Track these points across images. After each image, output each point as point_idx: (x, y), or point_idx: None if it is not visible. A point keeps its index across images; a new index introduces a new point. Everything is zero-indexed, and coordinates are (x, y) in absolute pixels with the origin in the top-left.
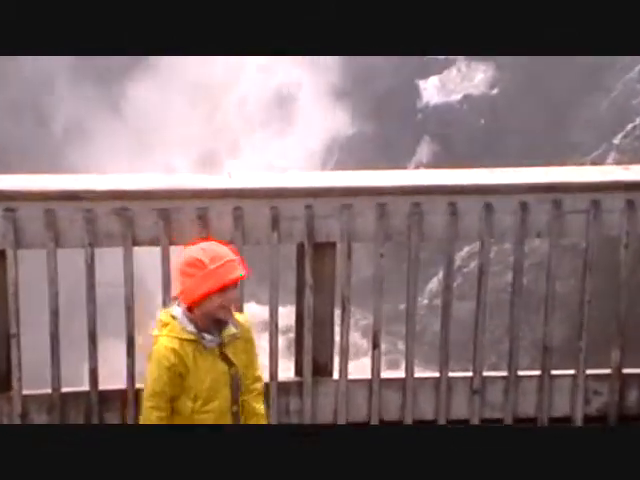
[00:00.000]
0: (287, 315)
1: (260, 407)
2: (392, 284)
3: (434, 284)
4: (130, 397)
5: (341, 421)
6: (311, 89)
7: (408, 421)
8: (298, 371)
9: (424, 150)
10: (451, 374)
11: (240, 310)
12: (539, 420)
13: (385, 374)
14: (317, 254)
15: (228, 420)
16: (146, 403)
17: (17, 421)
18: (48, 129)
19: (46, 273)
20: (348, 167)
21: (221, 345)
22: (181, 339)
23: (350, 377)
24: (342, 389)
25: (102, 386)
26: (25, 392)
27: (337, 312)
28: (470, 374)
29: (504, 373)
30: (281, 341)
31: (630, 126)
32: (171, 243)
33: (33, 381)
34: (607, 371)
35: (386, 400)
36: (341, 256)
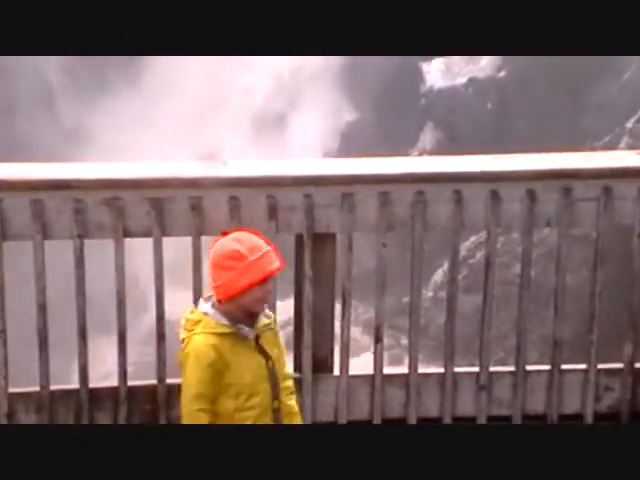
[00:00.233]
0: (285, 309)
1: (295, 406)
2: (395, 276)
3: (439, 276)
4: (122, 395)
5: (342, 419)
6: (311, 73)
7: (412, 419)
8: (297, 367)
9: (427, 137)
10: (457, 370)
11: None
12: (548, 417)
13: (388, 370)
14: (317, 245)
15: (269, 417)
16: (191, 407)
17: (3, 421)
18: (48, 129)
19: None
20: (349, 155)
21: (257, 337)
22: (218, 334)
23: (351, 373)
24: (343, 386)
25: (93, 384)
26: (12, 390)
27: (337, 306)
28: (476, 369)
29: (512, 368)
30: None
31: None
32: (202, 233)
33: (20, 379)
34: (619, 366)
35: (389, 397)
36: (342, 247)
